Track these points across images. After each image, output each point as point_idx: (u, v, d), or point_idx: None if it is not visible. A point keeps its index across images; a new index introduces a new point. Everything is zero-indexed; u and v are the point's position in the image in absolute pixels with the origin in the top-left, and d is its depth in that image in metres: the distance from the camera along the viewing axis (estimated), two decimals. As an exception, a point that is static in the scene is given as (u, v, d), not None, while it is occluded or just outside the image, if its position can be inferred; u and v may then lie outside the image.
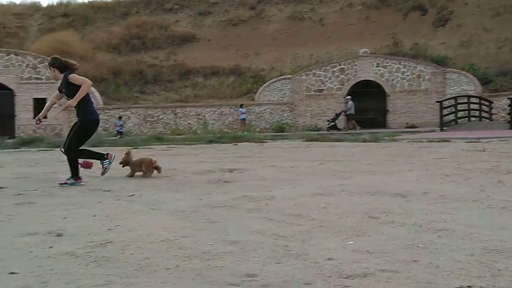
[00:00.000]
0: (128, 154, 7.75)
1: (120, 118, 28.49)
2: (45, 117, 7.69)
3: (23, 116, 29.66)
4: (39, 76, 29.99)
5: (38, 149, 17.53)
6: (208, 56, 34.50)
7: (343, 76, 30.02)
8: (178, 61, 35.04)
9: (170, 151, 14.36)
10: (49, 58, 26.09)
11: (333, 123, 28.17)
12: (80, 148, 7.33)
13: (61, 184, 6.97)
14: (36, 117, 7.73)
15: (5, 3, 43.21)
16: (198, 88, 33.31)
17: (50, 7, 42.42)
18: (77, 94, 6.95)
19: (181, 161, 10.64)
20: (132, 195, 5.97)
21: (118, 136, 25.33)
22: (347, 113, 28.31)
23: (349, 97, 28.66)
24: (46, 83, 29.72)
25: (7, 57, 30.15)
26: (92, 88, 30.39)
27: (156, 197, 5.81)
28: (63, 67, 7.16)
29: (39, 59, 30.21)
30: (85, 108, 7.17)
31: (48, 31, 37.55)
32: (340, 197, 5.53)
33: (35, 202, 5.65)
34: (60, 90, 7.34)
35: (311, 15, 37.93)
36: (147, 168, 7.67)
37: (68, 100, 7.16)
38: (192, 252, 3.42)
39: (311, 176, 7.42)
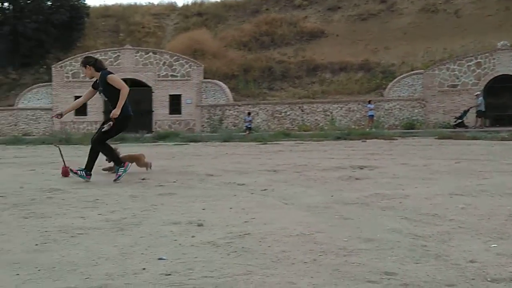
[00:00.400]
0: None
1: (249, 114, 29.16)
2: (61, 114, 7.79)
3: (160, 111, 31.35)
4: (174, 74, 31.47)
5: (173, 143, 18.51)
6: (336, 51, 34.26)
7: (479, 70, 28.41)
8: (306, 57, 35.13)
9: (299, 147, 14.52)
10: (184, 57, 27.10)
11: (460, 120, 26.75)
12: (109, 145, 7.53)
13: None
14: (60, 112, 7.85)
15: (144, 4, 45.97)
16: (326, 84, 33.18)
17: (185, 7, 44.48)
18: (119, 103, 7.16)
19: (310, 157, 10.73)
20: (265, 190, 6.12)
21: (247, 132, 25.99)
22: (477, 109, 26.73)
23: (478, 92, 27.10)
24: (181, 80, 31.23)
25: (145, 56, 31.96)
26: (223, 85, 31.60)
27: (288, 192, 5.91)
28: (98, 66, 7.41)
29: (175, 57, 31.72)
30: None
31: (183, 30, 39.37)
32: (479, 197, 5.28)
33: (176, 193, 5.98)
34: (94, 87, 7.56)
35: (445, 7, 36.37)
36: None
37: (105, 98, 7.42)
38: (327, 248, 3.44)
39: (446, 175, 7.16)
